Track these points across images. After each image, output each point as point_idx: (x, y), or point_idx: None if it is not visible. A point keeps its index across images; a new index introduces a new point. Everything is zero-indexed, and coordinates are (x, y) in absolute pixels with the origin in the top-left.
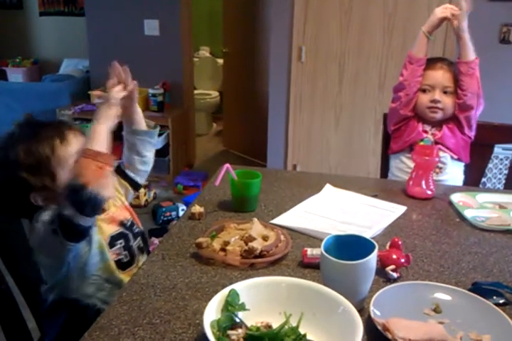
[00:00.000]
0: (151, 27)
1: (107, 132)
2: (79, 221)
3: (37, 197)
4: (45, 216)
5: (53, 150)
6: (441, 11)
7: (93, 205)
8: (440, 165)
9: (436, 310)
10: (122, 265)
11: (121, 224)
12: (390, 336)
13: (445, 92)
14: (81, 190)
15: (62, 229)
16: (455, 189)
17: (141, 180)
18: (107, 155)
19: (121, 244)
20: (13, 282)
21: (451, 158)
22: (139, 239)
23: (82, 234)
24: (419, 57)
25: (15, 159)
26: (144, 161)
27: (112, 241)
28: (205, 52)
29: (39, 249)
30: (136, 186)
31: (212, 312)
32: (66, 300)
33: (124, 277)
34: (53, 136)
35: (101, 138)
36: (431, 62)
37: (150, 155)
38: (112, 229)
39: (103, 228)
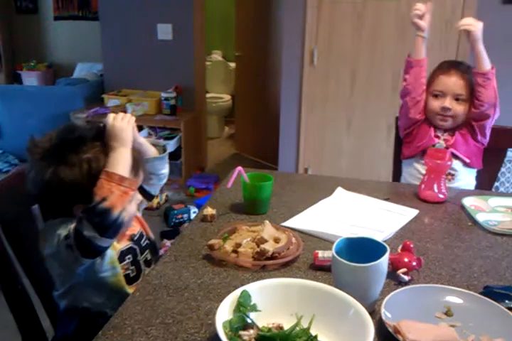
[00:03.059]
0: (164, 31)
1: (130, 155)
2: (98, 242)
3: (79, 209)
4: (61, 230)
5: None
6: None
7: (116, 228)
8: (452, 172)
9: (448, 314)
10: (129, 280)
11: (131, 238)
12: (401, 338)
13: (457, 99)
14: (106, 214)
15: (79, 247)
16: (467, 193)
17: (155, 192)
18: (131, 181)
19: (129, 259)
20: (29, 283)
21: (463, 164)
22: (146, 252)
23: (100, 253)
24: (418, 58)
25: (90, 169)
26: (161, 178)
27: (121, 256)
28: (217, 55)
29: (51, 258)
30: (149, 197)
31: (224, 313)
32: (76, 308)
33: (132, 291)
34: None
35: (126, 162)
36: (445, 67)
37: (166, 171)
38: (122, 245)
39: (114, 244)
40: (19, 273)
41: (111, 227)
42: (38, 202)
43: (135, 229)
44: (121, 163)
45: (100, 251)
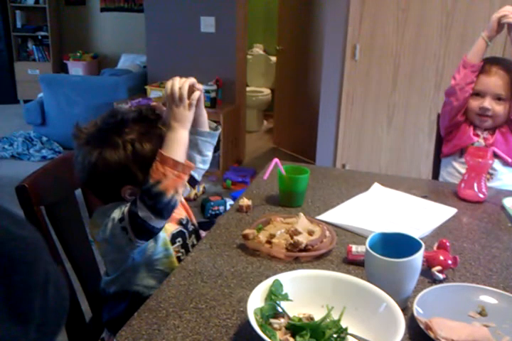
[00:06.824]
0: (207, 24)
1: (187, 137)
2: (152, 223)
3: (127, 191)
4: (115, 214)
5: (156, 148)
6: (497, 11)
7: (169, 210)
8: (491, 171)
9: (482, 313)
10: (180, 262)
11: (180, 222)
12: (432, 335)
13: (498, 99)
14: (159, 197)
15: (133, 228)
16: (508, 193)
17: (198, 177)
18: (184, 166)
19: (179, 242)
20: (71, 267)
21: (503, 163)
22: (193, 236)
23: (154, 234)
24: (473, 62)
25: (134, 150)
26: (205, 160)
27: (172, 239)
28: (258, 49)
29: (105, 243)
30: (193, 183)
31: (256, 301)
32: (127, 292)
33: None
34: (159, 133)
35: (183, 144)
36: (486, 65)
37: (210, 154)
38: (173, 228)
39: (165, 226)
40: (60, 256)
41: (164, 209)
42: (87, 187)
43: (182, 213)
44: (178, 144)
45: (154, 232)
